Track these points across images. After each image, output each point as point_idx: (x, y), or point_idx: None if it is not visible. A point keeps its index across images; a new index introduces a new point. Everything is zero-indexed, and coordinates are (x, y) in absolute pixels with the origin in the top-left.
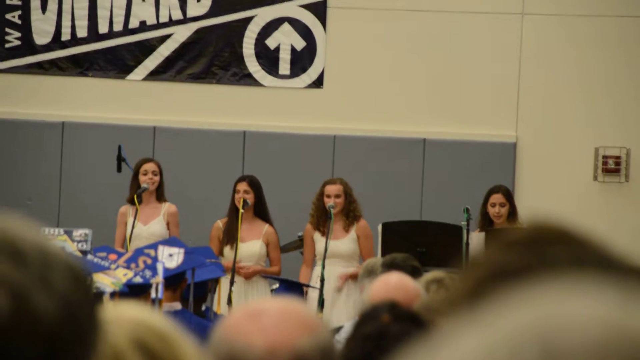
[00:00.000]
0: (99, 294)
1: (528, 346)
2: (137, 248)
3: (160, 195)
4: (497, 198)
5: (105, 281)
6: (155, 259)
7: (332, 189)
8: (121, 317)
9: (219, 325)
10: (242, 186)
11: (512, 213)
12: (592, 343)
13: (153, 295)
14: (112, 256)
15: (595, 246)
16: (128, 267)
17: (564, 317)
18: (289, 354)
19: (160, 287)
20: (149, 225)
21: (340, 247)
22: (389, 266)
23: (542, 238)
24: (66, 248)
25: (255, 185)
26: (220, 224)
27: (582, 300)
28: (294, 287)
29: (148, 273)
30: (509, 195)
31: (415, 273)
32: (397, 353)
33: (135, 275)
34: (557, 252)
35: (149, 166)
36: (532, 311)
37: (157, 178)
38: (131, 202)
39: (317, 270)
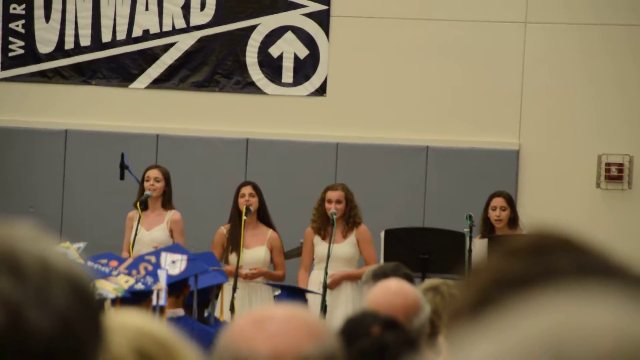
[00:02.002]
0: (101, 301)
1: (540, 355)
2: (138, 255)
3: (165, 202)
4: (498, 201)
5: (107, 287)
6: (156, 266)
7: (333, 194)
8: (121, 325)
9: (224, 332)
10: (247, 189)
11: (513, 219)
12: (603, 352)
13: (154, 302)
14: (113, 263)
15: (597, 254)
16: (129, 274)
17: (575, 326)
18: None
19: (163, 294)
20: (151, 231)
21: (340, 250)
22: (379, 277)
23: (544, 246)
24: (69, 255)
25: (258, 189)
26: (224, 230)
27: (592, 309)
28: (296, 294)
29: (149, 280)
30: (510, 201)
31: (407, 281)
32: None
33: (137, 282)
34: (560, 260)
35: (151, 173)
36: (543, 320)
37: (158, 185)
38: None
39: (320, 275)
